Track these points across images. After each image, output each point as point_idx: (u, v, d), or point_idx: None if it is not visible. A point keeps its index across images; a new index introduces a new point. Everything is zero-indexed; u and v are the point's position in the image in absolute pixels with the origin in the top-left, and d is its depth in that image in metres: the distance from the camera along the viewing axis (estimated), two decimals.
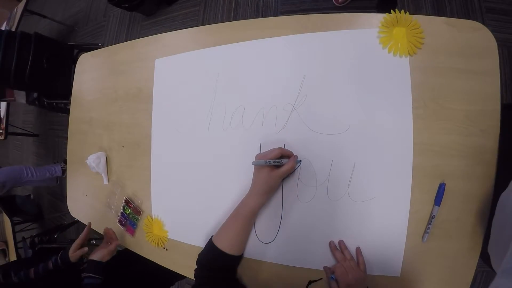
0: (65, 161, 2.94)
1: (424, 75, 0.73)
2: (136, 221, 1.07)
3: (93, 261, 1.05)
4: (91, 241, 2.27)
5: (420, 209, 0.72)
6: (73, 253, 1.12)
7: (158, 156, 1.03)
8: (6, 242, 2.43)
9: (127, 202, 1.09)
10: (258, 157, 0.74)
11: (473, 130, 0.70)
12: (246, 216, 0.77)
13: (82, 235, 1.15)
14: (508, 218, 0.58)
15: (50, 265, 1.14)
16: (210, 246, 0.77)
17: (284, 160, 0.73)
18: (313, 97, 0.79)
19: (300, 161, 0.78)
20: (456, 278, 0.72)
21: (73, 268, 1.13)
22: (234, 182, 0.87)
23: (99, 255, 1.07)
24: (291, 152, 0.76)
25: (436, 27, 0.73)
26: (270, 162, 0.71)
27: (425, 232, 0.71)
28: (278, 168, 0.73)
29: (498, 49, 0.70)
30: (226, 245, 0.75)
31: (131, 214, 1.08)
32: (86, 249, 1.15)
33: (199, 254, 0.80)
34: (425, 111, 0.72)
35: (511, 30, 1.58)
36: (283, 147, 0.80)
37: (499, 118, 0.69)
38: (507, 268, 0.45)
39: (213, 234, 0.81)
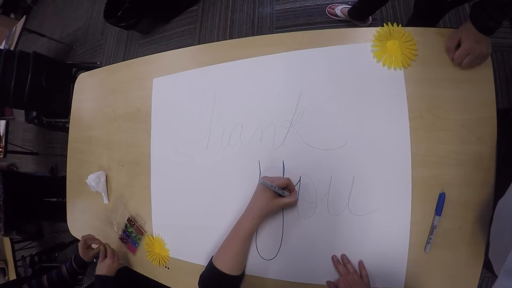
0: None
1: (419, 86, 0.74)
2: (138, 240, 1.06)
3: (98, 275, 1.01)
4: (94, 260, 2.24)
5: (421, 220, 0.72)
6: (85, 255, 1.11)
7: (158, 174, 1.03)
8: (5, 261, 2.39)
9: (130, 220, 1.09)
10: (265, 178, 0.75)
11: (470, 138, 0.71)
12: (243, 237, 0.77)
13: (83, 237, 1.11)
14: (506, 224, 0.58)
15: (64, 270, 1.13)
16: (211, 267, 0.77)
17: (286, 192, 0.75)
18: (310, 113, 0.80)
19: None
20: (460, 287, 0.71)
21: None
22: (234, 200, 0.87)
23: (101, 269, 1.02)
24: (294, 187, 0.78)
25: (429, 38, 0.75)
26: (275, 188, 0.73)
27: (427, 242, 0.71)
28: (280, 197, 0.75)
29: (492, 54, 0.71)
30: (226, 266, 0.75)
31: (133, 233, 1.07)
32: (100, 247, 1.11)
33: (200, 275, 0.79)
34: (422, 122, 0.73)
35: (503, 35, 1.60)
36: (282, 164, 0.81)
37: (496, 125, 0.70)
38: (509, 268, 0.45)
39: (214, 254, 0.80)
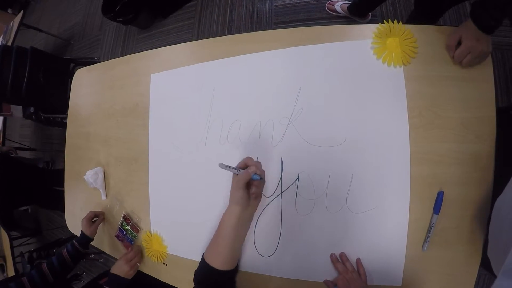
0: None
1: (419, 84, 0.73)
2: (134, 238, 1.06)
3: (115, 275, 0.98)
4: (90, 256, 2.25)
5: (419, 218, 0.72)
6: (89, 228, 1.09)
7: (156, 170, 1.03)
8: (4, 257, 2.39)
9: (126, 218, 1.08)
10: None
11: (469, 137, 0.71)
12: (227, 231, 0.74)
13: (92, 212, 1.13)
14: (504, 222, 0.58)
15: (66, 254, 1.09)
16: (203, 263, 0.76)
17: (241, 170, 0.72)
18: (309, 110, 0.80)
19: (260, 178, 0.72)
20: (458, 286, 0.71)
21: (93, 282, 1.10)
22: None
23: (122, 269, 0.98)
24: (260, 164, 0.75)
25: (429, 36, 0.75)
26: (229, 168, 0.72)
27: (425, 240, 0.71)
28: (250, 183, 0.74)
29: (492, 53, 0.70)
30: (217, 262, 0.74)
31: (129, 231, 1.07)
32: (102, 217, 1.15)
33: (194, 272, 0.79)
34: (421, 120, 0.72)
35: (504, 33, 1.59)
36: (281, 161, 0.81)
37: (495, 124, 0.70)
38: (508, 269, 0.45)
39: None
